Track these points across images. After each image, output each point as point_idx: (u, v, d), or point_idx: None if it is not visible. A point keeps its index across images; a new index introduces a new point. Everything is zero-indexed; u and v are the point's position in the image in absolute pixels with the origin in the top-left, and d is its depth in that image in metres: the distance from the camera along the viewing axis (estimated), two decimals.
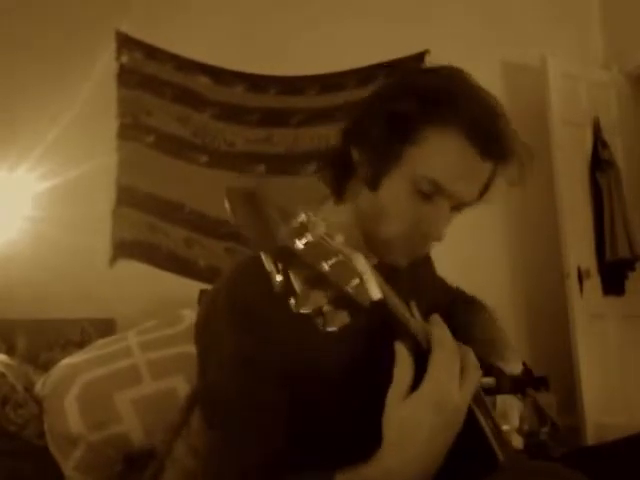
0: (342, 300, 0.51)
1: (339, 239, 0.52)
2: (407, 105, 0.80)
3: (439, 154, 0.79)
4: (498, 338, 1.02)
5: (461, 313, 1.10)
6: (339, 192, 0.90)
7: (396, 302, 0.61)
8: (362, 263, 0.52)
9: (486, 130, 0.79)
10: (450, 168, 0.79)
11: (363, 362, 0.78)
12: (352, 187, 0.88)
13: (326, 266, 0.50)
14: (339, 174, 0.89)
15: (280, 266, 0.50)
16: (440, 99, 0.79)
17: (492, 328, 1.04)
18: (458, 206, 0.84)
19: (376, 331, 0.65)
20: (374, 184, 0.83)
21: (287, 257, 0.50)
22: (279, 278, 0.51)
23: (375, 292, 0.53)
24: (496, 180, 0.86)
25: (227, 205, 0.51)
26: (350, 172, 0.87)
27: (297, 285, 0.50)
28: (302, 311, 0.51)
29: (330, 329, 0.52)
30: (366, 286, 0.52)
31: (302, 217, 0.51)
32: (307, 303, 0.51)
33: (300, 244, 0.50)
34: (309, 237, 0.50)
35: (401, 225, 0.81)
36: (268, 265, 0.51)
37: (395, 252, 0.84)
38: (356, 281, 0.51)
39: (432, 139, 0.79)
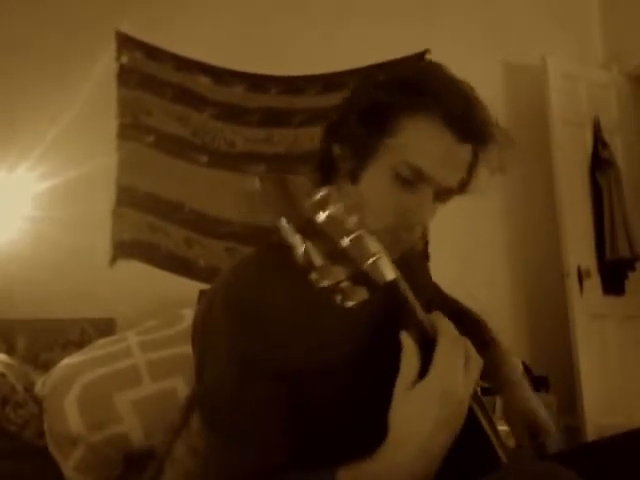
0: (360, 277, 0.53)
1: (355, 219, 0.53)
2: (383, 96, 0.81)
3: (417, 140, 0.79)
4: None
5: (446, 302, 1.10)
6: None
7: (407, 287, 0.61)
8: (376, 244, 0.54)
9: (461, 113, 0.79)
10: (428, 152, 0.79)
11: (366, 354, 0.78)
12: (337, 184, 0.88)
13: (345, 242, 0.52)
14: (324, 172, 0.90)
15: (302, 238, 0.52)
16: (415, 88, 0.80)
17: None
18: (441, 194, 0.83)
19: (380, 320, 0.65)
20: (355, 177, 0.83)
21: (309, 229, 0.51)
22: (301, 250, 0.52)
23: (389, 272, 0.55)
24: (478, 168, 0.85)
25: (257, 184, 0.52)
26: (334, 169, 0.87)
27: (317, 259, 0.52)
28: (323, 284, 0.52)
29: (349, 304, 0.54)
30: (381, 266, 0.54)
31: (324, 191, 0.53)
32: (328, 277, 0.52)
33: (322, 216, 0.51)
34: (331, 209, 0.51)
35: (385, 216, 0.81)
36: (291, 237, 0.52)
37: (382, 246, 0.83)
38: (372, 260, 0.53)
39: (409, 127, 0.79)
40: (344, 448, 0.68)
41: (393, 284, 0.55)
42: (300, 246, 0.52)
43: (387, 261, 0.55)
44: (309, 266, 0.52)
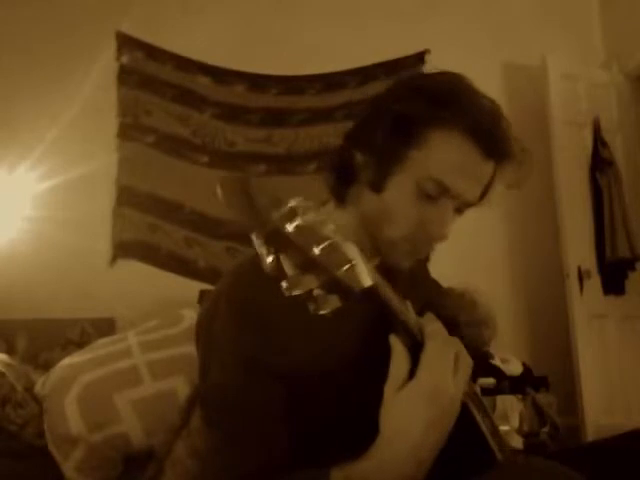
0: (333, 284, 0.52)
1: (330, 227, 0.53)
2: (412, 107, 0.81)
3: (444, 155, 0.80)
4: (481, 319, 1.03)
5: (443, 300, 1.11)
6: (341, 195, 0.90)
7: (388, 292, 0.61)
8: (353, 250, 0.53)
9: (489, 131, 0.80)
10: (454, 168, 0.80)
11: (363, 355, 0.79)
12: (354, 191, 0.88)
13: (316, 250, 0.51)
14: (341, 178, 0.89)
15: (271, 249, 0.51)
16: (444, 101, 0.80)
17: (473, 310, 1.04)
18: (460, 207, 0.84)
19: (373, 323, 0.65)
20: (378, 186, 0.83)
21: (278, 239, 0.51)
22: (270, 259, 0.52)
23: (366, 279, 0.54)
24: (495, 182, 0.86)
25: (219, 192, 0.52)
26: (352, 176, 0.87)
27: (288, 268, 0.51)
28: (293, 294, 0.52)
29: (322, 312, 0.53)
30: (356, 272, 0.53)
31: (292, 202, 0.52)
32: (298, 286, 0.52)
33: (290, 227, 0.51)
34: (299, 221, 0.51)
35: (406, 226, 0.82)
36: (259, 248, 0.52)
37: (399, 253, 0.84)
38: (346, 267, 0.52)
39: (436, 140, 0.80)
40: (341, 448, 0.69)
41: (370, 290, 0.55)
42: (268, 257, 0.52)
43: (364, 267, 0.54)
44: (279, 275, 0.52)
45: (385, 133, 0.82)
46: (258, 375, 0.76)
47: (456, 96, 0.81)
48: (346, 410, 0.80)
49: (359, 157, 0.86)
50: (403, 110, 0.81)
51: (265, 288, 0.78)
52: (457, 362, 0.68)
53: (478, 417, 0.75)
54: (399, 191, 0.82)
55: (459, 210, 0.85)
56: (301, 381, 0.77)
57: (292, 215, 0.51)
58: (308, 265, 0.51)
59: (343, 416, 0.79)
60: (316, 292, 0.53)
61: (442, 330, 0.70)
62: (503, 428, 0.89)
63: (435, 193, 0.80)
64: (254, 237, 0.52)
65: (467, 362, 0.70)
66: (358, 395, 0.78)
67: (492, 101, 0.83)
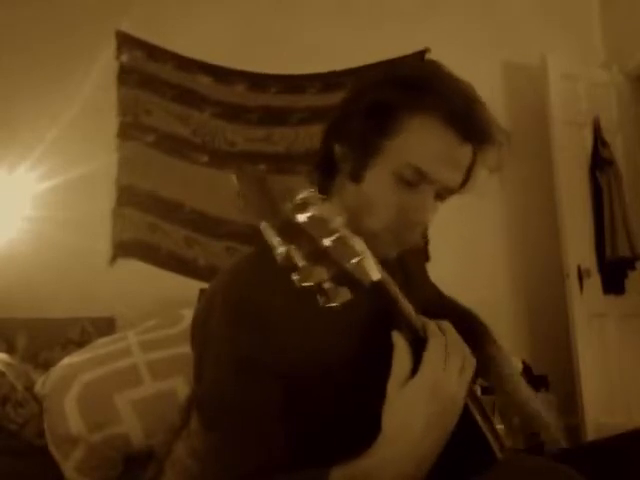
0: (343, 277, 0.53)
1: (338, 220, 0.53)
2: (386, 95, 0.81)
3: (420, 141, 0.80)
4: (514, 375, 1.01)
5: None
6: (324, 190, 0.90)
7: (394, 287, 0.61)
8: (361, 245, 0.54)
9: (463, 113, 0.79)
10: (432, 154, 0.80)
11: (362, 353, 0.78)
12: (337, 183, 0.88)
13: (327, 242, 0.52)
14: (324, 172, 0.90)
15: (283, 239, 0.51)
16: (418, 87, 0.80)
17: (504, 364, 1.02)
18: (441, 193, 0.84)
19: (372, 321, 0.65)
20: (357, 177, 0.83)
21: (290, 230, 0.51)
22: (282, 249, 0.52)
23: (375, 273, 0.54)
24: (477, 167, 0.85)
25: (235, 183, 0.52)
26: (334, 169, 0.87)
27: (299, 259, 0.52)
28: (304, 285, 0.52)
29: (332, 305, 0.53)
30: (366, 266, 0.53)
31: (304, 193, 0.53)
32: (309, 277, 0.52)
33: (302, 218, 0.51)
34: (311, 212, 0.51)
35: (387, 215, 0.81)
36: (271, 238, 0.52)
37: (384, 243, 0.83)
38: (356, 260, 0.53)
39: (412, 127, 0.80)
40: (341, 447, 0.69)
41: (379, 284, 0.55)
42: (280, 247, 0.52)
43: (372, 261, 0.55)
44: (291, 267, 0.52)
45: (361, 122, 0.82)
46: (255, 374, 0.76)
47: (429, 81, 0.81)
48: (345, 408, 0.79)
49: (338, 149, 0.86)
50: (378, 98, 0.81)
51: (262, 287, 0.78)
52: (464, 362, 0.68)
53: (477, 416, 0.75)
54: (378, 179, 0.82)
55: (440, 197, 0.84)
56: (299, 380, 0.77)
57: (303, 206, 0.52)
58: (319, 256, 0.52)
59: (342, 414, 0.79)
60: (326, 284, 0.53)
61: (451, 328, 0.70)
62: (502, 427, 0.88)
63: (414, 179, 0.80)
64: (266, 228, 0.52)
65: (471, 364, 0.70)
66: (357, 393, 0.78)
67: (466, 84, 0.83)
